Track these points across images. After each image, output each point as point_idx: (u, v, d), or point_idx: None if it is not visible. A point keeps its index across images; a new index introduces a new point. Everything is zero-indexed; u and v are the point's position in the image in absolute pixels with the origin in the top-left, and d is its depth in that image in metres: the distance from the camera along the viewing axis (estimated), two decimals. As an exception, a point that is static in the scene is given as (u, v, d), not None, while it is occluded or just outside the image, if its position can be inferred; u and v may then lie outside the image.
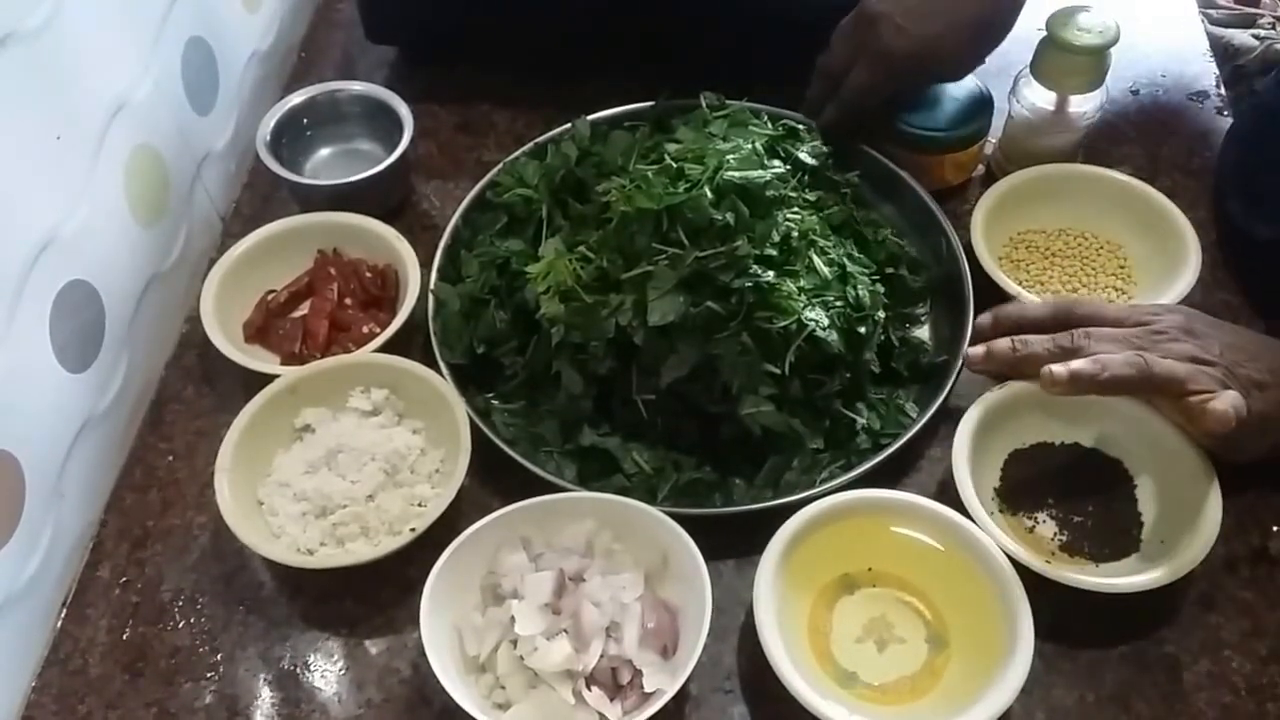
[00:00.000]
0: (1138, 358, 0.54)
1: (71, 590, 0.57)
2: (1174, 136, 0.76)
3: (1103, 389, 0.54)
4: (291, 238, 0.67)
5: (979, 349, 0.58)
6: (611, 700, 0.50)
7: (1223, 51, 0.82)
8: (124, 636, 0.55)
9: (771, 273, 0.56)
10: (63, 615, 0.56)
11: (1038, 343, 0.57)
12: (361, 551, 0.55)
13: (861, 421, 0.60)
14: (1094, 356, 0.54)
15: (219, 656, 0.55)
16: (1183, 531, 0.54)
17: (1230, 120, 0.76)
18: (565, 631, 0.51)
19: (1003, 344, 0.57)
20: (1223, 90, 0.79)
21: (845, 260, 0.60)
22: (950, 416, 0.58)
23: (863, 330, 0.59)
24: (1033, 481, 0.59)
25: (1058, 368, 0.54)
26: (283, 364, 0.63)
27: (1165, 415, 0.57)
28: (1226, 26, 0.85)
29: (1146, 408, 0.57)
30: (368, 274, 0.66)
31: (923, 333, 0.65)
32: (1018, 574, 0.52)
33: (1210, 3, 0.88)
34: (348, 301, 0.66)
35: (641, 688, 0.50)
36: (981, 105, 0.69)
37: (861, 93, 0.66)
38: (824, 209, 0.63)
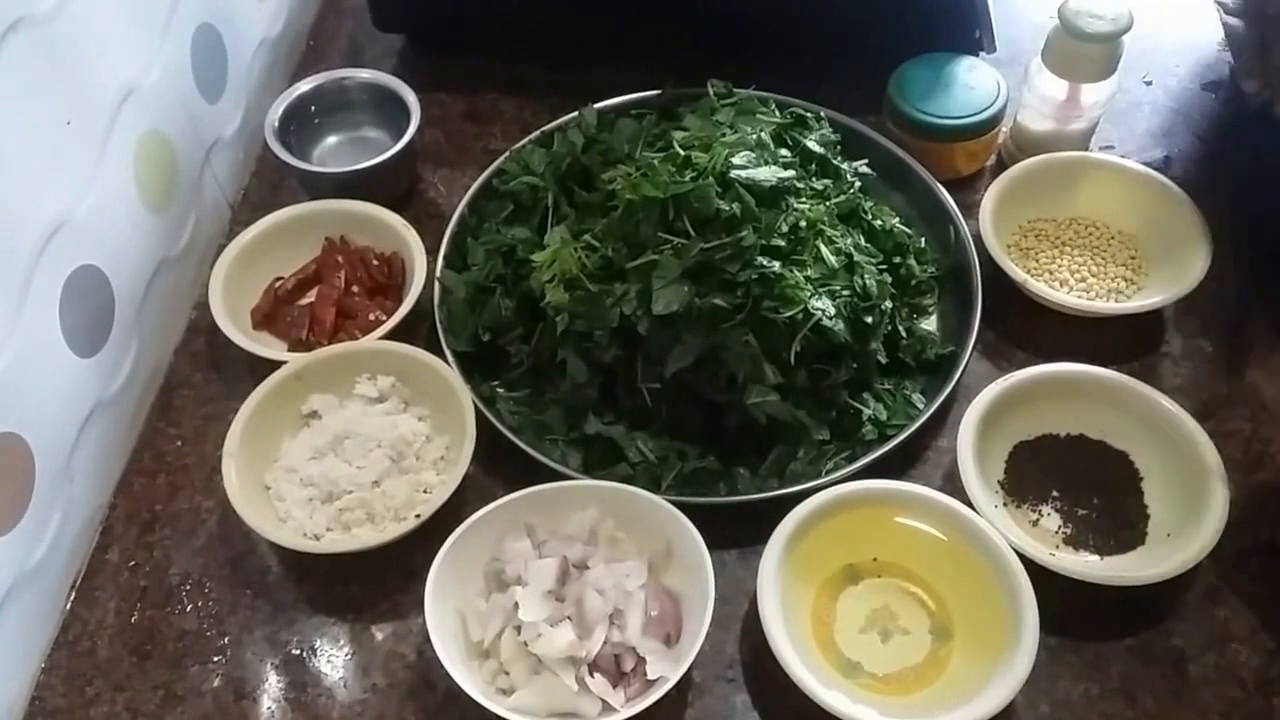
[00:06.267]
0: None
1: (80, 573, 0.58)
2: (1186, 127, 0.75)
3: None
4: (299, 225, 0.67)
5: None
6: (614, 687, 0.50)
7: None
8: (132, 619, 0.56)
9: (777, 263, 0.55)
10: (72, 597, 0.57)
11: None
12: (367, 537, 0.55)
13: (867, 412, 0.59)
14: None
15: (226, 640, 0.55)
16: (1189, 524, 0.54)
17: (1237, 112, 0.75)
18: (569, 618, 0.51)
19: None
20: (1237, 80, 0.78)
21: (853, 250, 0.60)
22: (957, 408, 0.58)
23: (869, 320, 0.59)
24: (1038, 473, 0.59)
25: None
26: (290, 350, 0.64)
27: (1173, 407, 0.56)
28: (1241, 16, 0.84)
29: (1153, 399, 0.57)
30: (374, 261, 0.66)
31: (930, 323, 0.65)
32: (1023, 566, 0.52)
33: (1226, -8, 0.87)
34: (354, 289, 0.66)
35: (644, 675, 0.50)
36: (994, 93, 0.68)
37: None
38: (831, 198, 0.63)
